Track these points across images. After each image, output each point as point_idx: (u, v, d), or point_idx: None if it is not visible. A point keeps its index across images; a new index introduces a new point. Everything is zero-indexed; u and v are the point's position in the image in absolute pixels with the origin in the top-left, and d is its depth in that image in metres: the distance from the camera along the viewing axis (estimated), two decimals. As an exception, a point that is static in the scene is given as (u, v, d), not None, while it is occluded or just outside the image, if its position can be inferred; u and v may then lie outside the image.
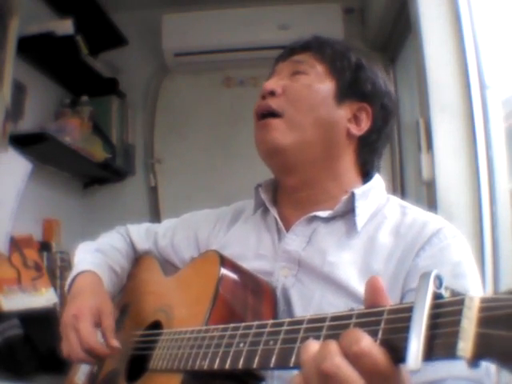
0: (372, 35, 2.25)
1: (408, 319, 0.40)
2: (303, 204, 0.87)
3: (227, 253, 0.81)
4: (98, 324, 0.85)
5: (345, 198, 0.83)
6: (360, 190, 0.83)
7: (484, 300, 0.37)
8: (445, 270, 0.73)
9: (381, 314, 0.43)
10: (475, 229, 1.30)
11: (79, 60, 2.03)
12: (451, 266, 0.73)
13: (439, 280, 0.41)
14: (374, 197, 0.85)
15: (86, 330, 0.82)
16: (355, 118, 0.87)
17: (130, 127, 2.41)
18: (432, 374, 0.63)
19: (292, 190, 0.89)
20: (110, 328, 0.84)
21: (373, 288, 0.47)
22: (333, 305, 0.75)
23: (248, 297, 0.74)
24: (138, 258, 1.10)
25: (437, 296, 0.40)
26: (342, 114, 0.86)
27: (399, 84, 2.25)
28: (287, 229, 0.86)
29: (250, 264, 0.82)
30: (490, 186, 1.33)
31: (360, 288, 0.75)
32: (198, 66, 2.41)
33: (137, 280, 1.06)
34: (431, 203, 1.36)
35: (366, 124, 0.87)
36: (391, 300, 0.47)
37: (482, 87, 1.37)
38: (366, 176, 0.91)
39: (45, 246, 1.91)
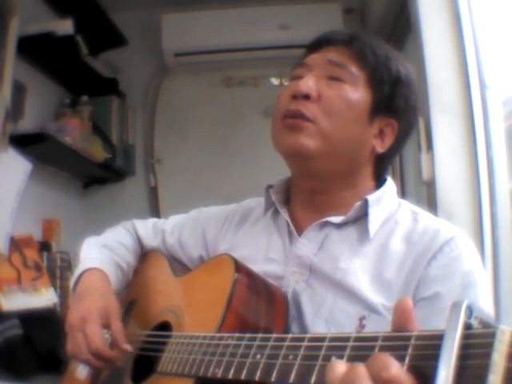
0: (372, 35, 2.24)
1: (437, 347, 0.40)
2: (317, 207, 0.85)
3: (236, 254, 0.80)
4: (105, 326, 0.84)
5: (358, 204, 0.81)
6: (373, 197, 0.82)
7: None
8: (455, 280, 0.73)
9: (408, 339, 0.43)
10: (475, 229, 1.30)
11: (79, 60, 2.03)
12: (462, 276, 0.73)
13: (470, 310, 0.41)
14: (386, 202, 0.84)
15: (94, 332, 0.82)
16: (381, 134, 0.84)
17: (130, 127, 2.41)
18: None
19: (307, 193, 0.87)
20: (119, 331, 0.84)
21: (402, 311, 0.46)
22: (344, 311, 0.74)
23: (261, 303, 0.74)
24: (145, 254, 1.08)
25: (467, 326, 0.41)
26: (371, 131, 0.82)
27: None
28: (298, 232, 0.85)
29: (259, 267, 0.81)
30: (490, 186, 1.33)
31: (372, 296, 0.74)
32: (197, 66, 2.41)
33: (144, 276, 1.04)
34: (431, 203, 1.36)
35: (389, 140, 0.84)
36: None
37: (482, 87, 1.37)
38: (378, 180, 0.89)
39: (45, 246, 1.92)
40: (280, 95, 0.85)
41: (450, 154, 1.37)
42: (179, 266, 1.01)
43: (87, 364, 0.85)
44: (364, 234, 0.81)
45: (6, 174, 1.67)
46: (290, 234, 0.86)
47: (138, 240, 1.08)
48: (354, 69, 0.81)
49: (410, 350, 0.42)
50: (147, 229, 1.09)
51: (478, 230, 1.30)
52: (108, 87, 2.32)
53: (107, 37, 2.28)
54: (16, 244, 1.71)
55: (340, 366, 0.44)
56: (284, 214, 0.88)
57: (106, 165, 2.18)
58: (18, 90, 1.81)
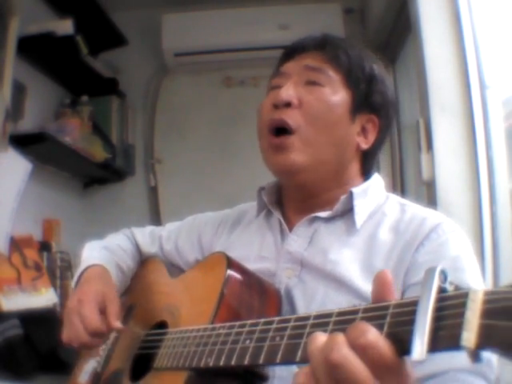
0: (372, 35, 2.25)
1: (413, 312, 0.41)
2: (308, 207, 0.87)
3: (231, 255, 0.81)
4: (101, 308, 0.85)
5: (343, 197, 0.83)
6: (359, 189, 0.84)
7: (487, 293, 0.38)
8: (444, 265, 0.73)
9: (386, 308, 0.44)
10: (475, 229, 1.30)
11: (79, 60, 2.03)
12: (450, 261, 0.73)
13: (444, 275, 0.42)
14: (372, 195, 0.86)
15: (90, 313, 0.82)
16: (363, 131, 0.86)
17: (130, 127, 2.41)
18: (434, 367, 0.63)
19: (298, 198, 0.89)
20: (113, 311, 0.84)
21: (381, 282, 0.47)
22: (335, 302, 0.75)
23: (253, 298, 0.75)
24: (144, 260, 1.10)
25: (441, 290, 0.41)
26: (354, 129, 0.85)
27: (399, 84, 2.25)
28: (291, 230, 0.86)
29: (252, 265, 0.82)
30: (490, 186, 1.33)
31: (362, 285, 0.75)
32: (197, 66, 2.41)
33: (142, 281, 1.06)
34: (431, 203, 1.36)
35: (372, 136, 0.87)
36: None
37: (482, 87, 1.37)
38: (365, 176, 0.91)
39: (45, 246, 1.91)
40: (261, 106, 0.88)
41: (450, 154, 1.37)
42: (177, 271, 1.02)
43: (85, 346, 0.84)
44: (351, 225, 0.82)
45: (6, 174, 1.67)
46: (282, 231, 0.88)
47: (137, 246, 1.10)
48: (330, 72, 0.84)
49: (388, 319, 0.43)
50: (145, 236, 1.11)
51: (477, 230, 1.30)
52: (108, 87, 2.32)
53: (107, 37, 2.28)
54: (16, 244, 1.71)
55: (320, 337, 0.45)
56: (276, 214, 0.90)
57: (105, 165, 2.18)
58: (18, 90, 1.81)
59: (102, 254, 1.02)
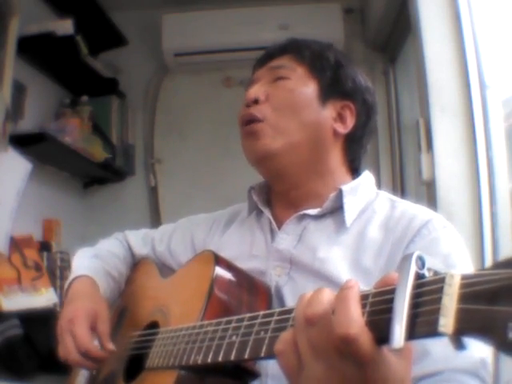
0: (372, 35, 2.25)
1: (391, 300, 0.41)
2: (294, 203, 0.88)
3: (223, 254, 0.82)
4: (93, 327, 0.85)
5: (333, 195, 0.84)
6: (348, 187, 0.84)
7: (465, 277, 0.37)
8: (436, 262, 0.73)
9: (366, 297, 0.44)
10: (475, 229, 1.30)
11: (79, 60, 2.03)
12: (442, 258, 0.73)
13: (421, 261, 0.42)
14: (362, 192, 0.86)
15: (82, 333, 0.83)
16: (340, 117, 0.88)
17: (130, 127, 2.41)
18: (429, 367, 0.63)
19: (282, 192, 0.90)
20: (105, 332, 0.85)
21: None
22: None
23: (243, 295, 0.75)
24: (136, 263, 1.10)
25: (419, 276, 0.41)
26: (327, 113, 0.86)
27: (399, 84, 2.25)
28: (280, 228, 0.87)
29: (244, 264, 0.83)
30: (490, 186, 1.33)
31: None
32: (198, 66, 2.41)
33: (135, 284, 1.06)
34: (431, 203, 1.36)
35: (350, 121, 0.88)
36: None
37: (482, 87, 1.38)
38: (355, 173, 0.92)
39: (45, 246, 1.91)
40: (238, 113, 0.91)
41: (449, 154, 1.37)
42: (169, 272, 1.02)
43: (78, 365, 0.86)
44: (341, 223, 0.83)
45: (6, 174, 1.67)
46: (272, 230, 0.89)
47: (130, 250, 1.11)
48: (294, 65, 0.88)
49: (367, 308, 0.43)
50: (138, 238, 1.11)
51: (478, 230, 1.30)
52: (108, 87, 2.32)
53: (107, 37, 2.28)
54: (16, 244, 1.71)
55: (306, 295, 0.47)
56: (266, 213, 0.91)
57: (105, 165, 2.18)
58: (18, 90, 1.81)
59: (92, 262, 1.02)
